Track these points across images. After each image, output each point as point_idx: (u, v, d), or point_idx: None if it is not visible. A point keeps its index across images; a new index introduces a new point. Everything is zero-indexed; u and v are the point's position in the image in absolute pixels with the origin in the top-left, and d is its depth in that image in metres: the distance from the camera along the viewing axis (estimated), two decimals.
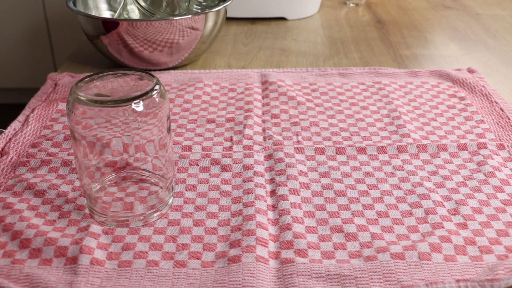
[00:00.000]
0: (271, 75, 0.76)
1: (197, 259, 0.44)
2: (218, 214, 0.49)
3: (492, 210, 0.49)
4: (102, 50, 0.77)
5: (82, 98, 0.43)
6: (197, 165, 0.56)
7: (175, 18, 0.73)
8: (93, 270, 0.43)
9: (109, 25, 0.73)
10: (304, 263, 0.43)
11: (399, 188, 0.52)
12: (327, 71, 0.78)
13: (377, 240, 0.46)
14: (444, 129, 0.63)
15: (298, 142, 0.60)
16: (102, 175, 0.48)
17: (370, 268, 0.43)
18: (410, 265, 0.43)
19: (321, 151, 0.58)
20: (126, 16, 0.84)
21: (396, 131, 0.62)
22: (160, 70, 0.79)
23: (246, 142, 0.60)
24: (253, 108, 0.67)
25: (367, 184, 0.53)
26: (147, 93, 0.44)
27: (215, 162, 0.56)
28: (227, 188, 0.52)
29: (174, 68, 0.80)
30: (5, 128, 0.63)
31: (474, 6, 1.11)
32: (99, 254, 0.44)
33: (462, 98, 0.69)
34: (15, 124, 0.64)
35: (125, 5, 0.84)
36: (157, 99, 0.45)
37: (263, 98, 0.71)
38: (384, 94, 0.71)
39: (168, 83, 0.74)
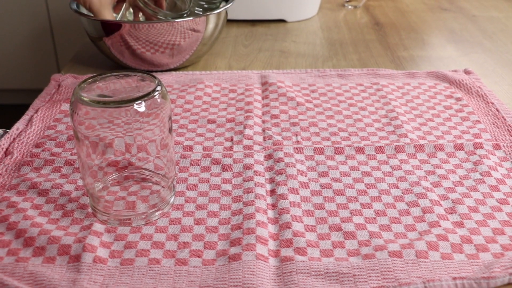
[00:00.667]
0: (271, 76, 0.77)
1: (198, 257, 0.45)
2: (219, 213, 0.50)
3: (488, 209, 0.50)
4: (105, 51, 0.78)
5: (85, 98, 0.44)
6: (198, 164, 0.57)
7: (176, 20, 0.73)
8: (96, 268, 0.43)
9: (112, 27, 0.74)
10: (303, 261, 0.44)
11: (397, 187, 0.53)
12: (326, 72, 0.79)
13: (375, 239, 0.46)
14: (441, 129, 0.64)
15: (298, 142, 0.61)
16: (104, 174, 0.49)
17: (368, 266, 0.43)
18: (407, 263, 0.43)
19: (320, 151, 0.59)
20: (129, 17, 0.85)
21: (393, 131, 0.63)
22: (161, 71, 0.80)
23: (246, 142, 0.61)
24: (253, 109, 0.68)
25: (365, 184, 0.54)
26: (149, 94, 0.45)
27: (215, 161, 0.57)
28: (228, 187, 0.53)
29: (175, 69, 0.81)
30: (9, 128, 0.63)
31: (470, 8, 1.12)
32: (102, 252, 0.45)
33: (458, 99, 0.70)
34: (19, 125, 0.64)
35: (128, 6, 0.85)
36: (158, 100, 0.46)
37: (263, 99, 0.71)
38: (382, 95, 0.72)
39: (170, 84, 0.75)
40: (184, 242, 0.46)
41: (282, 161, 0.57)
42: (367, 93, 0.73)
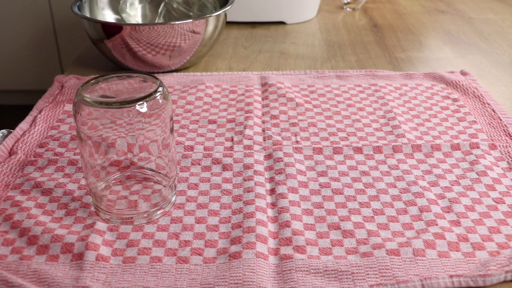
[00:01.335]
0: (270, 77, 0.77)
1: (199, 255, 0.45)
2: (219, 211, 0.51)
3: (484, 208, 0.51)
4: (106, 53, 0.79)
5: (88, 99, 0.45)
6: (199, 164, 0.57)
7: (176, 22, 0.74)
8: (99, 266, 0.44)
9: (113, 29, 0.74)
10: (302, 259, 0.44)
11: (395, 186, 0.54)
12: (325, 73, 0.80)
13: (373, 237, 0.47)
14: (437, 129, 0.65)
15: (297, 142, 0.62)
16: (107, 174, 0.50)
17: (367, 264, 0.44)
18: (405, 261, 0.44)
19: (319, 150, 0.60)
20: (131, 18, 0.86)
21: (391, 131, 0.64)
22: (163, 72, 0.80)
23: (246, 142, 0.61)
24: (253, 109, 0.69)
25: (363, 183, 0.54)
26: (151, 94, 0.46)
27: (216, 161, 0.58)
28: (228, 186, 0.54)
29: (176, 70, 0.81)
30: (13, 128, 0.64)
31: (467, 10, 1.13)
32: (104, 251, 0.45)
33: (455, 100, 0.71)
34: (23, 125, 0.65)
35: (130, 6, 0.86)
36: (160, 101, 0.46)
37: (262, 99, 0.72)
38: (380, 95, 0.73)
39: (171, 85, 0.76)
40: (185, 241, 0.47)
41: (282, 161, 0.57)
42: (365, 94, 0.74)
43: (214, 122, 0.66)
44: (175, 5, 0.88)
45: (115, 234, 0.48)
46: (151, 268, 0.44)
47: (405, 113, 0.68)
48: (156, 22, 0.88)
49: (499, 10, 1.13)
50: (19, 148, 0.60)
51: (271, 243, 0.47)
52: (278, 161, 0.58)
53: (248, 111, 0.68)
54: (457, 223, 0.49)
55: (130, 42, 0.74)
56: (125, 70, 0.80)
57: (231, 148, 0.61)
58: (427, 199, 0.52)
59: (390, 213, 0.50)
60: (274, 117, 0.67)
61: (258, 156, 0.59)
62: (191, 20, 0.75)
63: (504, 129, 0.63)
